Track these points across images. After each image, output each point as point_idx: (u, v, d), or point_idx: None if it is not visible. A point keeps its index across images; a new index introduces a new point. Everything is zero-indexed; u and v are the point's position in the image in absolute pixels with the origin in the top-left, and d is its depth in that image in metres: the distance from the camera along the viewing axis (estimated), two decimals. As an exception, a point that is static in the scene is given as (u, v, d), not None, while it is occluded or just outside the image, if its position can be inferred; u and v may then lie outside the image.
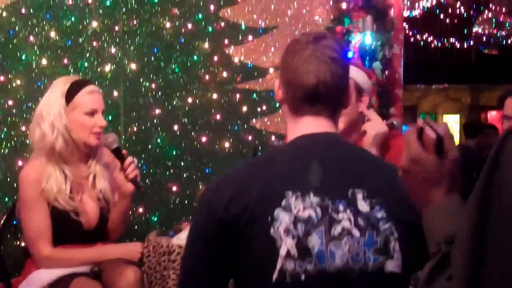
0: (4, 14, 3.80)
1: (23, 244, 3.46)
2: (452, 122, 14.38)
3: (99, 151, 2.91)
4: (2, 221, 3.36)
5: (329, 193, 1.49)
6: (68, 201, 2.76)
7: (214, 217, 1.51)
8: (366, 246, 1.48)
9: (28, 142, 3.70)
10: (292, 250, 1.44)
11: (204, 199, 1.60)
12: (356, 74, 3.05)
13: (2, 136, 3.73)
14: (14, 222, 3.47)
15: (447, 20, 11.14)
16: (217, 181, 1.61)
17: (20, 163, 3.67)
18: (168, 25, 4.13)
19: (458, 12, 10.93)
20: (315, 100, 1.60)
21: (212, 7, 4.24)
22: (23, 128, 3.75)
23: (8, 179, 3.70)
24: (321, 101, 1.60)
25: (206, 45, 4.19)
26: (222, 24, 4.26)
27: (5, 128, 3.75)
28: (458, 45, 11.51)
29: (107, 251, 2.83)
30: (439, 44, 11.47)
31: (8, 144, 3.75)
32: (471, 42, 11.52)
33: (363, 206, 1.50)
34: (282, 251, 1.44)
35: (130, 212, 3.85)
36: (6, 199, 3.68)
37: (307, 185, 1.50)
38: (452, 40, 11.47)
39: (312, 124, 1.62)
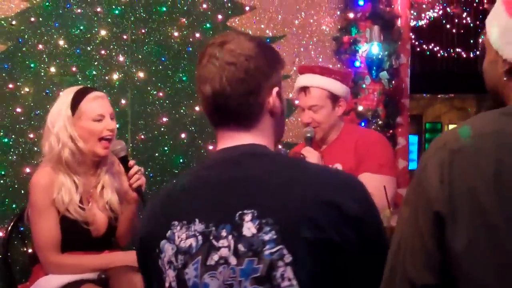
0: (14, 22, 3.82)
1: (30, 250, 3.47)
2: (458, 132, 14.34)
3: (108, 160, 2.93)
4: (9, 228, 3.38)
5: (215, 218, 1.37)
6: (78, 211, 2.78)
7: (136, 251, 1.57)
8: (243, 275, 1.32)
9: (36, 149, 3.74)
10: (173, 282, 1.39)
11: None
12: (326, 84, 3.06)
13: (10, 143, 3.75)
14: (21, 229, 3.49)
15: (454, 30, 11.15)
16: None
17: (28, 170, 3.69)
18: (176, 34, 4.15)
19: (464, 22, 10.93)
20: (218, 111, 1.49)
21: (220, 17, 4.26)
22: (31, 135, 3.77)
23: (16, 186, 3.71)
24: (223, 111, 1.48)
25: (214, 54, 4.20)
26: (230, 33, 4.27)
27: (13, 135, 3.77)
28: (464, 55, 11.50)
29: (114, 259, 2.84)
30: (445, 54, 11.47)
31: (16, 151, 3.76)
32: (477, 52, 11.53)
33: (249, 229, 1.33)
34: (166, 283, 1.41)
35: (137, 220, 3.88)
36: (14, 205, 3.69)
37: (195, 212, 1.40)
38: (458, 50, 11.47)
39: (223, 138, 1.52)
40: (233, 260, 1.33)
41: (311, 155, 2.86)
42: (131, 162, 2.84)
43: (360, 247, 1.36)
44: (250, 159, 1.47)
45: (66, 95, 2.88)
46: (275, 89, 1.52)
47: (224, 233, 1.35)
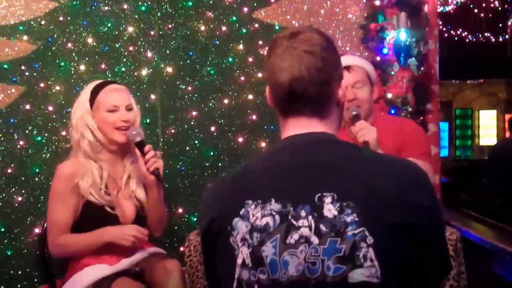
0: (43, 22, 3.87)
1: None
2: (488, 117, 14.18)
3: (132, 148, 3.02)
4: (45, 224, 3.44)
5: (292, 199, 1.42)
6: (102, 195, 2.89)
7: (200, 232, 1.57)
8: (326, 254, 1.36)
9: (68, 146, 3.79)
10: (247, 259, 1.42)
11: (199, 212, 1.63)
12: (365, 64, 3.16)
13: (44, 141, 3.80)
14: (57, 225, 3.55)
15: (482, 14, 11.01)
16: (205, 192, 1.64)
17: (61, 167, 3.74)
18: (202, 28, 4.16)
19: (492, 6, 10.79)
20: (293, 99, 1.53)
21: (245, 9, 4.26)
22: (63, 133, 3.82)
23: (50, 183, 3.76)
24: (299, 99, 1.52)
25: (241, 46, 4.21)
26: (256, 25, 4.28)
27: (46, 133, 3.82)
28: (493, 39, 11.36)
29: (103, 233, 2.88)
30: (474, 39, 11.33)
31: (50, 149, 3.82)
32: (507, 36, 11.38)
33: (329, 210, 1.39)
34: (239, 260, 1.43)
35: (170, 213, 3.92)
36: (49, 202, 3.75)
37: (270, 192, 1.44)
38: (487, 34, 11.32)
39: (294, 125, 1.56)
40: (315, 240, 1.38)
41: (368, 129, 2.83)
42: (147, 147, 2.91)
43: (431, 232, 1.44)
44: (325, 145, 1.53)
45: (87, 89, 3.02)
46: (343, 81, 1.61)
47: (303, 213, 1.40)
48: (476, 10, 10.93)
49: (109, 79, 3.15)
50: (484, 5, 10.83)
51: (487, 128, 14.11)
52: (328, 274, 1.36)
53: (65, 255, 2.95)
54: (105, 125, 2.95)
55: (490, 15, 11.01)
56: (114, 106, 2.94)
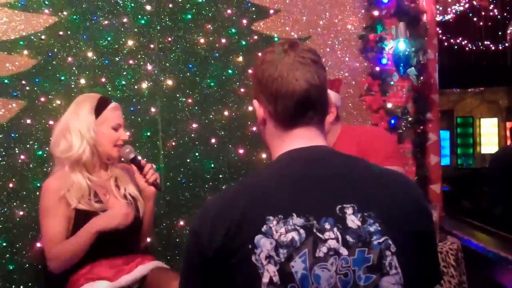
0: (43, 37, 3.88)
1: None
2: (490, 125, 14.16)
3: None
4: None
5: (314, 212, 1.41)
6: (90, 203, 2.90)
7: (199, 250, 1.45)
8: (356, 265, 1.37)
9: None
10: (274, 277, 1.36)
11: (191, 231, 1.52)
12: None
13: (45, 156, 3.81)
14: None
15: (481, 23, 11.03)
16: (202, 209, 1.54)
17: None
18: (202, 40, 4.18)
19: (491, 14, 10.81)
20: (308, 107, 1.54)
21: (245, 21, 4.28)
22: (65, 147, 3.83)
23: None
24: (313, 107, 1.54)
25: (240, 58, 4.23)
26: (255, 37, 4.29)
27: (47, 148, 3.81)
28: (493, 48, 11.37)
29: (94, 223, 2.89)
30: (474, 47, 11.34)
31: (51, 163, 3.81)
32: (506, 44, 11.39)
33: (353, 221, 1.40)
34: (265, 279, 1.36)
35: (171, 225, 3.92)
36: (50, 216, 3.75)
37: (290, 207, 1.41)
38: (486, 42, 11.34)
39: (301, 137, 1.56)
40: (344, 251, 1.38)
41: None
42: (143, 161, 3.06)
43: (434, 238, 1.56)
44: (334, 157, 1.56)
45: (89, 101, 3.06)
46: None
47: (327, 226, 1.40)
48: (475, 19, 10.95)
49: (103, 95, 3.17)
50: (483, 13, 10.85)
51: (489, 136, 14.09)
52: (359, 284, 1.37)
53: (66, 266, 2.89)
54: (107, 141, 3.01)
55: (490, 24, 11.02)
56: (118, 125, 3.05)
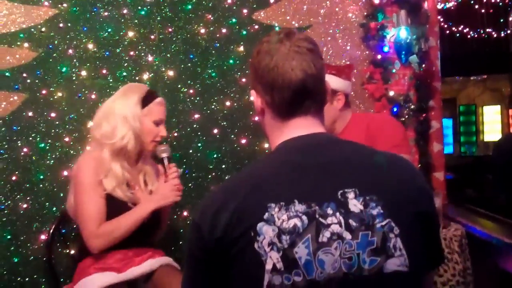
0: (43, 29, 3.88)
1: (72, 252, 3.55)
2: (492, 113, 14.14)
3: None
4: (51, 230, 3.45)
5: (316, 198, 1.41)
6: (125, 193, 2.89)
7: (201, 241, 1.45)
8: (360, 248, 1.38)
9: (72, 152, 3.80)
10: (278, 263, 1.36)
11: (193, 222, 1.51)
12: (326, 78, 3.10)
13: (47, 148, 3.81)
14: (63, 231, 3.57)
15: (482, 10, 10.99)
16: (203, 201, 1.54)
17: (65, 173, 3.76)
18: (202, 31, 4.17)
19: (493, 1, 10.77)
20: (304, 96, 1.54)
21: (245, 11, 4.27)
22: (67, 139, 3.83)
23: (55, 189, 3.78)
24: (309, 96, 1.54)
25: (241, 48, 4.22)
26: (256, 27, 4.28)
27: (49, 140, 3.83)
28: (495, 35, 11.33)
29: (145, 207, 2.92)
30: (476, 35, 11.31)
31: (53, 155, 3.83)
32: (508, 31, 11.35)
33: (355, 205, 1.41)
34: (268, 266, 1.36)
35: (175, 216, 3.93)
36: (54, 208, 3.76)
37: (291, 194, 1.42)
38: (488, 30, 11.30)
39: (300, 125, 1.56)
40: (347, 235, 1.39)
41: None
42: (172, 167, 3.04)
43: (435, 218, 1.55)
44: (333, 144, 1.57)
45: (137, 91, 3.05)
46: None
47: (330, 211, 1.40)
48: (476, 6, 10.91)
49: (151, 88, 3.18)
50: (484, 0, 10.81)
51: (492, 123, 14.08)
52: (364, 267, 1.37)
53: (110, 245, 2.86)
54: (147, 134, 3.00)
55: (491, 11, 10.98)
56: (161, 120, 3.04)
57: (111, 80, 3.96)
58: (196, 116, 4.11)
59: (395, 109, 4.31)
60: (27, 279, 3.72)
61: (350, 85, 3.27)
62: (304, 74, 1.51)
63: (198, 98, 4.13)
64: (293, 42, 1.54)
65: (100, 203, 2.85)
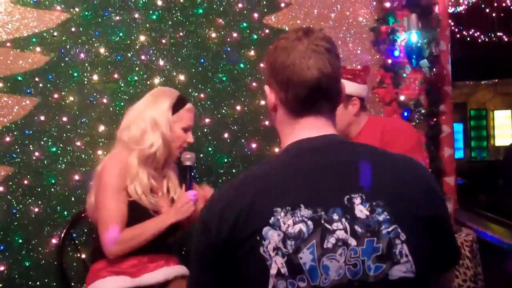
0: (55, 33, 3.90)
1: (83, 256, 3.56)
2: (503, 117, 14.08)
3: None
4: (62, 235, 3.46)
5: (322, 203, 1.41)
6: (151, 199, 2.88)
7: (208, 241, 1.45)
8: (365, 255, 1.38)
9: (84, 156, 3.81)
10: (282, 268, 1.37)
11: (200, 222, 1.51)
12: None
13: (59, 152, 3.82)
14: (74, 235, 3.58)
15: (493, 14, 10.94)
16: (210, 200, 1.55)
17: (77, 177, 3.77)
18: (213, 35, 4.18)
19: (504, 5, 10.72)
20: (319, 96, 1.53)
21: (256, 15, 4.27)
22: (78, 143, 3.84)
23: (67, 194, 3.79)
24: (324, 95, 1.54)
25: (252, 52, 4.22)
26: (267, 31, 4.28)
27: (61, 144, 3.84)
28: (506, 39, 11.28)
29: (165, 218, 2.91)
30: (486, 39, 11.26)
31: (65, 160, 3.84)
32: (519, 35, 11.30)
33: (361, 211, 1.40)
34: (272, 271, 1.37)
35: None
36: (65, 212, 3.77)
37: (297, 198, 1.42)
38: (499, 34, 11.25)
39: (310, 126, 1.56)
40: (352, 241, 1.38)
41: None
42: (203, 187, 3.08)
43: (447, 221, 1.54)
44: (343, 146, 1.56)
45: (169, 96, 3.05)
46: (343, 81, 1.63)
47: (336, 217, 1.39)
48: (487, 10, 10.86)
49: (181, 94, 3.19)
50: (495, 4, 10.77)
51: (502, 128, 14.01)
52: (369, 274, 1.37)
53: (125, 253, 2.87)
54: (176, 141, 3.00)
55: (502, 15, 10.93)
56: (189, 126, 3.03)
57: (122, 85, 3.97)
58: (207, 120, 4.11)
59: (405, 114, 4.30)
60: (38, 283, 3.72)
61: (366, 88, 3.27)
62: (320, 73, 1.50)
63: (208, 103, 4.14)
64: (311, 41, 1.53)
65: (122, 209, 2.84)
